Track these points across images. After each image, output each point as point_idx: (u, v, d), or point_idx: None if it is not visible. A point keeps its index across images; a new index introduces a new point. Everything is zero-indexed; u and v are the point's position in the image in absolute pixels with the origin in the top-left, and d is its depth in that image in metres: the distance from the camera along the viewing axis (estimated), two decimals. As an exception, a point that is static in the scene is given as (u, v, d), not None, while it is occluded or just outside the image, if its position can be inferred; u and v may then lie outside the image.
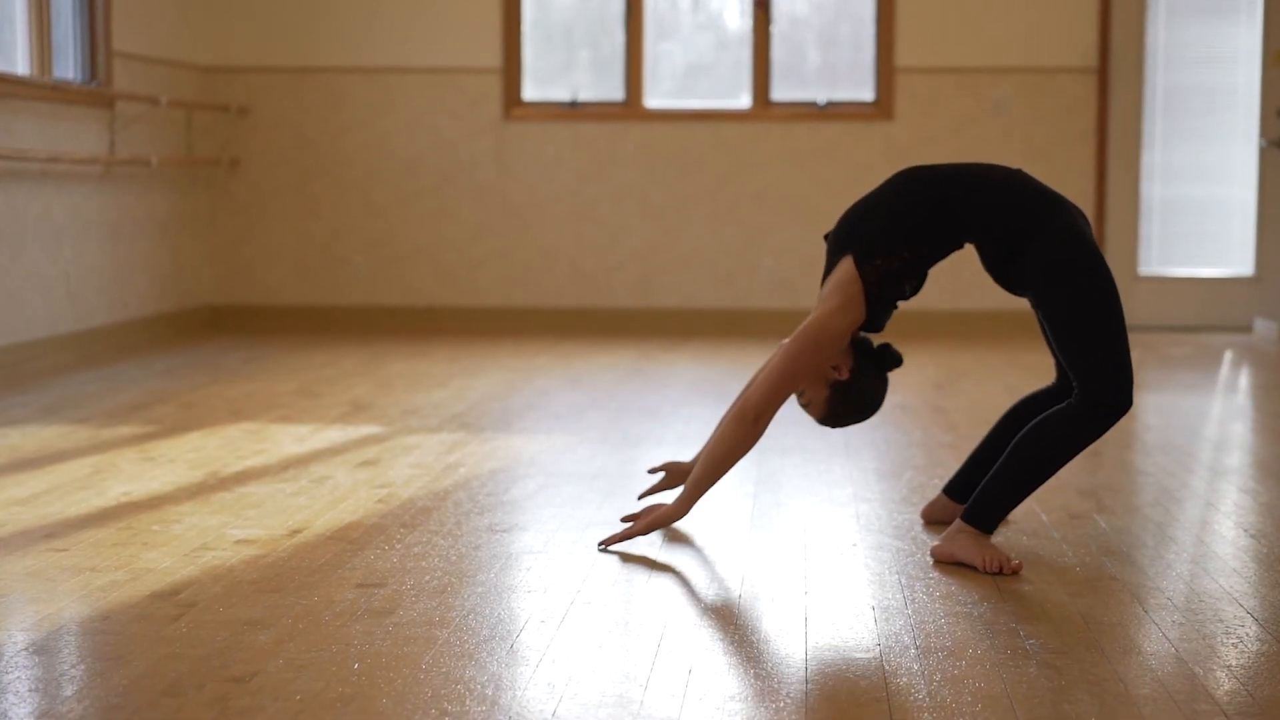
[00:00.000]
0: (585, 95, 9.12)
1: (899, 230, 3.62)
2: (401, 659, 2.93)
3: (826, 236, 3.80)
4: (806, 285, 8.99)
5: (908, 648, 3.02)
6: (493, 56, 9.03)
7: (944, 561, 3.67)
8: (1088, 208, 8.86)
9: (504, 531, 3.98)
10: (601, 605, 3.32)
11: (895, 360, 3.80)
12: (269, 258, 9.23)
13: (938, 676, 2.84)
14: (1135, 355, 7.82)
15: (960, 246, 3.70)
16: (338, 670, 2.87)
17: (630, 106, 9.08)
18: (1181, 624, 3.19)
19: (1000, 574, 3.56)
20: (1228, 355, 8.02)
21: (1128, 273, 8.96)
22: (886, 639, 3.08)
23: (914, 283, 3.71)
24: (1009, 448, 3.63)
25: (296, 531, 3.97)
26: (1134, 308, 8.92)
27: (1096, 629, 3.15)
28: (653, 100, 9.12)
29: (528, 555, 3.74)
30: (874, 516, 4.18)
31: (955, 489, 4.04)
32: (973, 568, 3.60)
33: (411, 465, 4.88)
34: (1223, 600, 3.35)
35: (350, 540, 3.87)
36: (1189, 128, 8.99)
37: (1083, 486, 4.55)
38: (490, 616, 3.22)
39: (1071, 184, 8.86)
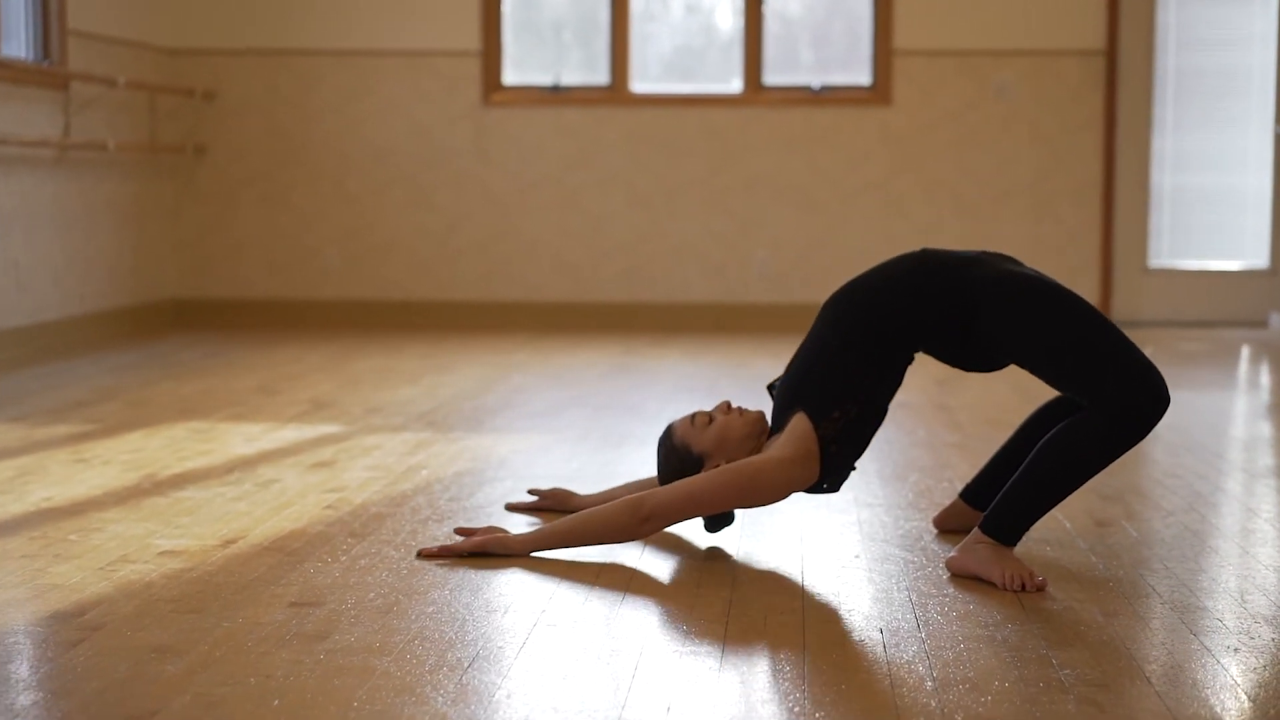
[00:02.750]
0: (569, 79, 8.71)
1: (848, 381, 3.35)
2: (330, 694, 2.50)
3: (770, 387, 3.54)
4: (801, 278, 8.58)
5: (923, 679, 2.59)
6: (472, 39, 8.62)
7: (959, 575, 3.25)
8: (1095, 197, 8.46)
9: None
10: (569, 629, 2.89)
11: (728, 520, 3.55)
12: (236, 250, 8.80)
13: (959, 716, 2.42)
14: (1145, 351, 7.41)
15: (912, 361, 3.45)
16: (253, 709, 2.44)
17: (616, 91, 8.67)
18: (1237, 650, 2.76)
19: (1023, 591, 3.13)
20: (1245, 351, 7.59)
21: (1137, 266, 8.54)
22: (898, 668, 2.65)
23: (875, 424, 3.41)
24: (1034, 454, 3.23)
25: (230, 541, 3.54)
26: (1143, 302, 8.51)
27: (1140, 656, 2.72)
28: (640, 84, 8.71)
29: (488, 570, 3.31)
30: (878, 524, 3.76)
31: (974, 495, 3.62)
32: (991, 583, 3.17)
33: (369, 467, 4.45)
34: (1280, 621, 2.93)
35: (289, 551, 3.44)
36: (1201, 113, 8.57)
37: (1107, 490, 4.13)
38: (439, 642, 2.79)
39: (1077, 173, 8.45)
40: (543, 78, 8.74)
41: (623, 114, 8.65)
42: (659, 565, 3.37)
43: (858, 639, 2.83)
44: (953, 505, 3.68)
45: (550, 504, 3.89)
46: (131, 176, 8.19)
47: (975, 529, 3.27)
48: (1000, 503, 3.23)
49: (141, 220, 8.34)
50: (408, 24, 8.64)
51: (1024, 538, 3.59)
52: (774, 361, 6.83)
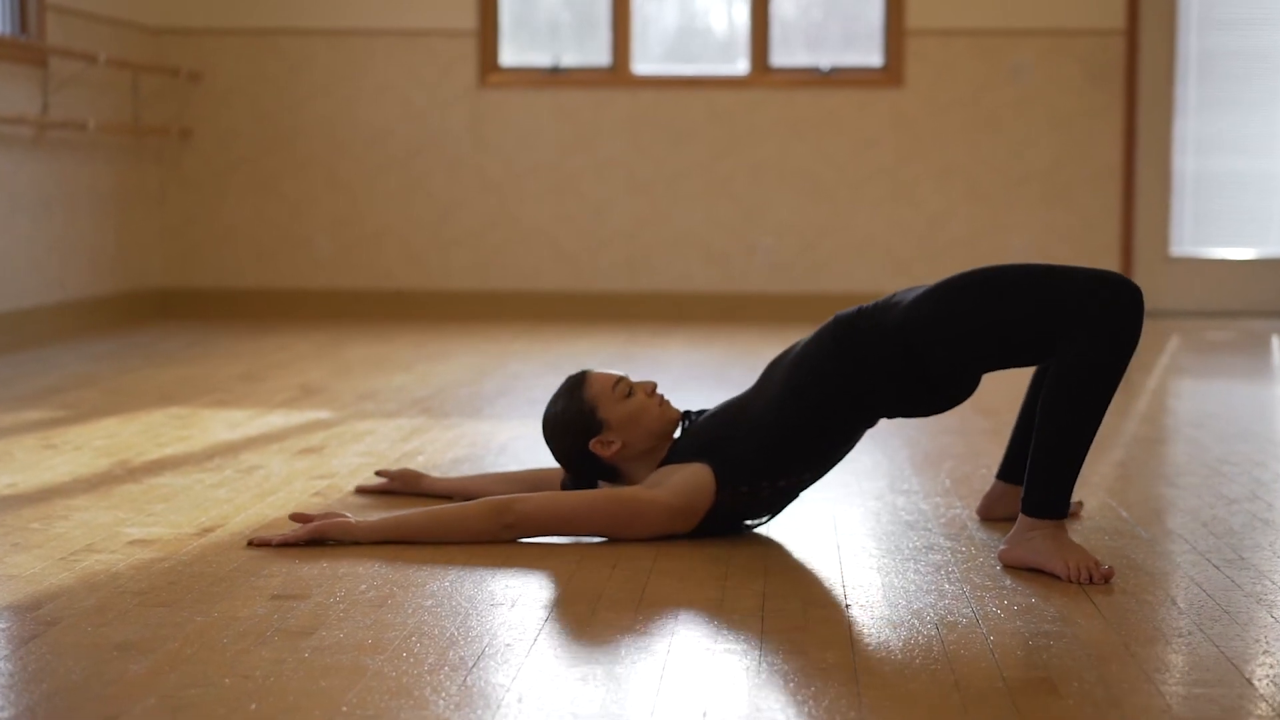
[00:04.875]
0: (568, 60, 8.40)
1: (769, 460, 3.11)
2: (316, 697, 2.18)
3: (687, 415, 3.27)
4: (807, 267, 8.26)
5: (993, 680, 2.27)
6: (467, 18, 8.30)
7: (1015, 568, 2.93)
8: (1114, 182, 8.14)
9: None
10: (585, 623, 2.57)
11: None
12: (223, 238, 8.47)
13: (1041, 722, 2.10)
14: (1171, 341, 7.12)
15: (860, 436, 3.21)
16: (227, 713, 2.12)
17: (617, 72, 8.35)
18: (1339, 648, 2.45)
19: (1091, 582, 2.81)
20: (1276, 340, 7.27)
21: (1158, 253, 8.22)
22: (962, 668, 2.33)
23: (787, 500, 3.19)
24: (1040, 412, 2.91)
25: (208, 530, 3.21)
26: (1165, 292, 8.19)
27: (1234, 654, 2.40)
28: (641, 66, 8.39)
29: (492, 558, 2.99)
30: (916, 511, 3.44)
31: (1010, 470, 3.31)
32: (1053, 575, 2.85)
33: (361, 453, 4.13)
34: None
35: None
36: (1225, 95, 8.24)
37: (1160, 472, 3.82)
38: (439, 639, 2.47)
39: (1097, 157, 8.14)
40: (541, 58, 8.42)
41: (624, 96, 8.33)
42: (681, 552, 3.05)
43: (911, 635, 2.51)
44: (993, 489, 3.37)
45: (399, 486, 3.60)
46: (114, 160, 7.86)
47: (1020, 516, 2.95)
48: (1031, 476, 2.92)
49: (125, 206, 8.01)
50: (401, 2, 8.32)
51: (1075, 524, 3.29)
52: (778, 352, 6.50)
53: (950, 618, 2.60)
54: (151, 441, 4.29)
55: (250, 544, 3.06)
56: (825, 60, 8.31)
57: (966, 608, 2.66)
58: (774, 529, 3.27)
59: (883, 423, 4.64)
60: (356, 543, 3.07)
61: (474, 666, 2.33)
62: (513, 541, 3.09)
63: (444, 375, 5.82)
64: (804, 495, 3.60)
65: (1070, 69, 8.14)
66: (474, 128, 8.37)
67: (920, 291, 3.08)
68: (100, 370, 5.91)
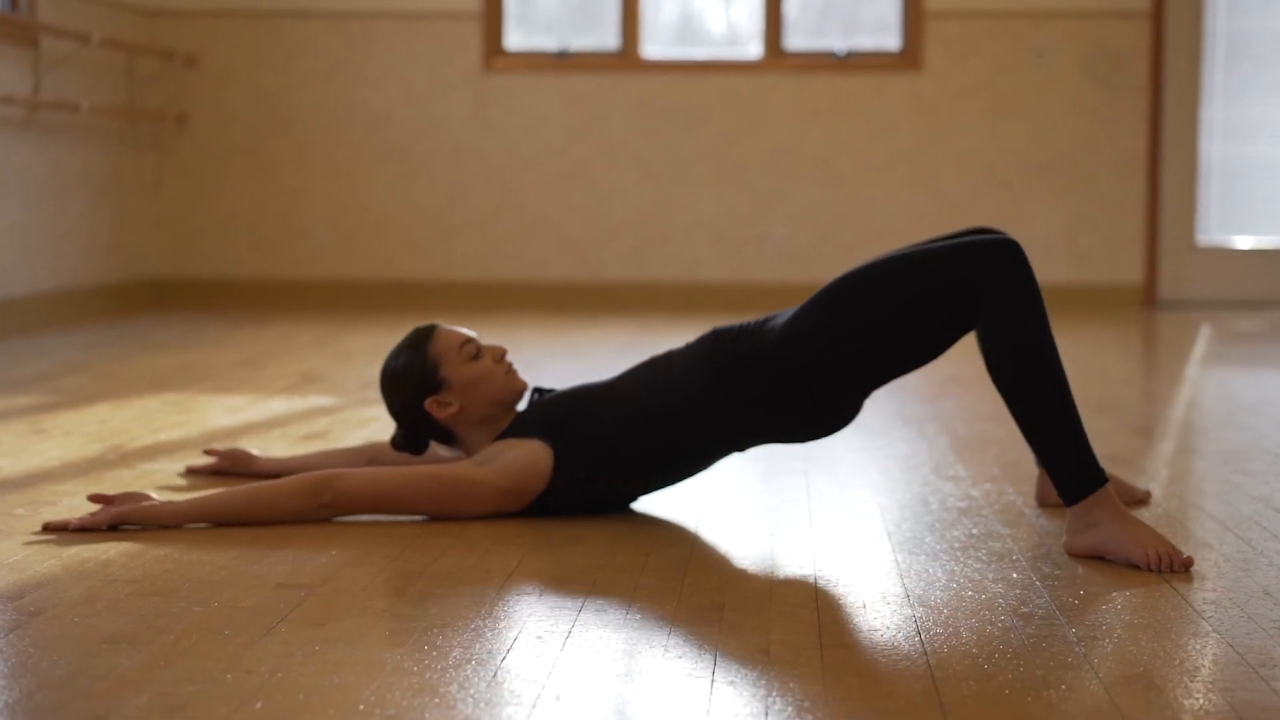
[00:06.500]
0: (575, 43, 8.16)
1: (626, 456, 2.95)
2: (329, 694, 1.95)
3: (539, 390, 3.10)
4: (821, 257, 8.03)
5: (1087, 678, 2.04)
6: (471, 0, 8.06)
7: (1082, 557, 2.69)
8: (1139, 169, 7.92)
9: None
10: (625, 609, 2.33)
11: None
12: (221, 226, 8.24)
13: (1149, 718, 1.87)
14: (1202, 331, 6.89)
15: (718, 460, 3.03)
16: (229, 712, 1.88)
17: (626, 56, 8.12)
18: None
19: (1172, 571, 2.58)
20: (1307, 331, 7.04)
21: (1183, 242, 7.99)
22: (1049, 662, 2.10)
23: (625, 501, 3.04)
24: (1010, 404, 2.73)
25: (206, 515, 2.97)
26: (1191, 282, 7.97)
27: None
28: (651, 49, 8.16)
29: (518, 541, 2.76)
30: (967, 498, 3.20)
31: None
32: (1130, 564, 2.62)
33: (368, 439, 3.90)
34: None
35: (276, 525, 2.88)
36: (1254, 79, 8.02)
37: (1222, 459, 3.59)
38: (464, 630, 2.24)
39: (1121, 143, 7.91)
40: (548, 42, 8.19)
41: (633, 81, 8.10)
42: (724, 531, 2.82)
43: (984, 628, 2.28)
44: (1040, 475, 3.14)
45: (228, 466, 3.37)
46: (108, 145, 7.62)
47: (1069, 509, 2.71)
48: (1048, 466, 2.71)
49: (119, 193, 7.77)
50: (404, -16, 8.10)
51: (1147, 514, 3.06)
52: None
53: (1028, 609, 2.36)
54: (146, 427, 4.05)
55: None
56: (841, 44, 8.08)
57: (1039, 598, 2.43)
58: (815, 516, 3.03)
59: (917, 406, 4.43)
60: (162, 526, 2.84)
61: (503, 660, 2.10)
62: (328, 520, 2.91)
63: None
64: (843, 481, 3.38)
65: (1094, 53, 7.91)
66: (478, 113, 8.14)
67: (790, 312, 2.91)
68: (93, 357, 5.67)
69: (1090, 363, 5.57)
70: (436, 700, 1.94)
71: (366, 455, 3.32)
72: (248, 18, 8.16)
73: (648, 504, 3.11)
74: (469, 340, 3.03)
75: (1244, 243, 8.09)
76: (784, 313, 2.94)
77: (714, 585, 2.51)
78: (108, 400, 4.53)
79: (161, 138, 8.16)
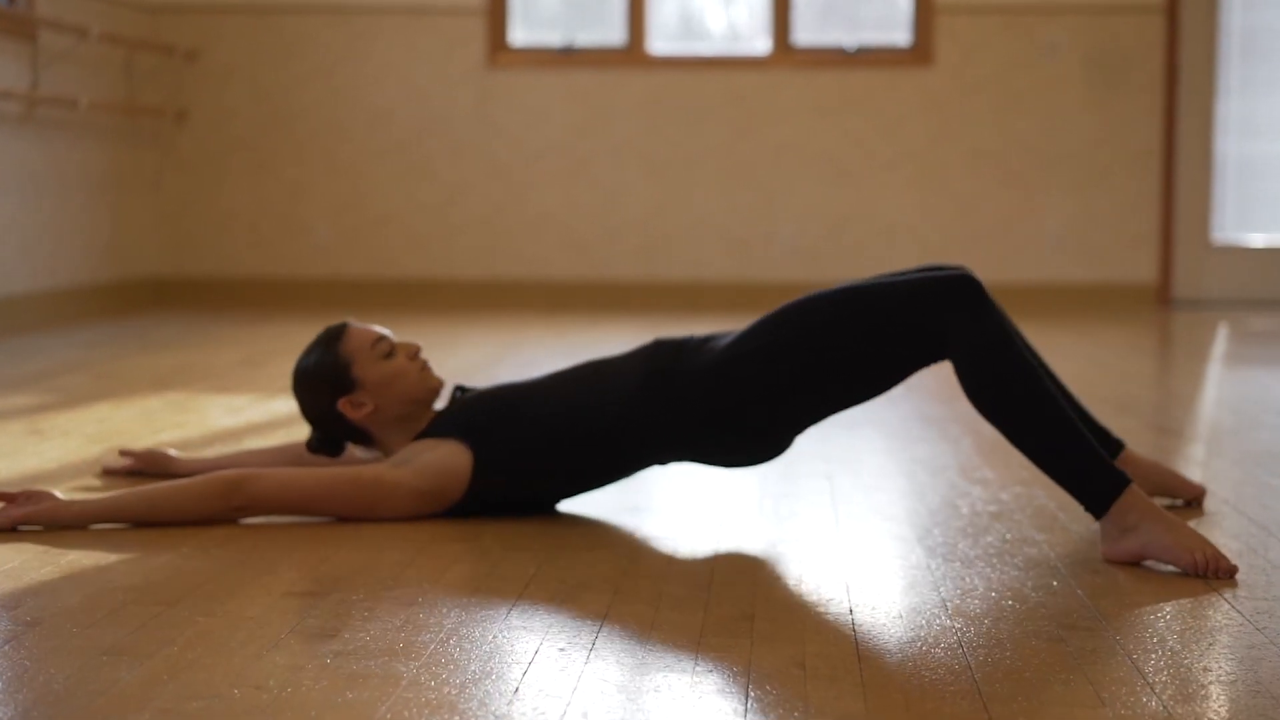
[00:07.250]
0: (580, 39, 8.05)
1: (544, 463, 2.87)
2: (341, 710, 1.84)
3: (460, 388, 3.03)
4: (829, 255, 7.92)
5: (1138, 691, 1.93)
6: (475, -5, 7.98)
7: (1121, 562, 2.58)
8: (1153, 165, 7.81)
9: (502, 516, 2.88)
10: (651, 620, 2.22)
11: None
12: (221, 224, 8.13)
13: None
14: (1219, 330, 6.79)
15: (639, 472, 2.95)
16: (238, 731, 1.77)
17: (632, 52, 8.02)
18: None
19: (1217, 576, 2.47)
20: (1325, 330, 6.93)
21: (1198, 240, 7.89)
22: (1094, 672, 1.99)
23: (543, 505, 2.97)
24: (1007, 433, 2.64)
25: (210, 520, 2.86)
26: (1206, 280, 7.86)
27: None
28: (657, 45, 8.06)
29: (534, 547, 2.65)
30: (997, 502, 3.10)
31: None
32: (1174, 569, 2.51)
33: (374, 440, 3.78)
34: None
35: (284, 530, 2.78)
36: (1270, 75, 7.92)
37: (1257, 461, 3.48)
38: (483, 641, 2.13)
39: (1135, 139, 7.81)
40: (552, 37, 8.09)
41: (639, 77, 8.00)
42: (748, 534, 2.71)
43: (1028, 641, 2.16)
44: (1122, 459, 3.03)
45: (146, 467, 3.26)
46: (107, 141, 7.51)
47: (1099, 524, 2.60)
48: (1067, 486, 2.60)
49: (119, 190, 7.66)
50: (407, -21, 8.00)
51: (1194, 520, 2.95)
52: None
53: (1070, 619, 2.25)
54: (146, 427, 3.95)
55: None
56: (850, 39, 7.97)
57: (1083, 608, 2.32)
58: (841, 520, 2.92)
59: (935, 406, 4.32)
60: (66, 527, 2.73)
61: (524, 675, 1.99)
62: (233, 520, 2.82)
63: (457, 359, 5.48)
64: (867, 484, 3.28)
65: (1108, 48, 7.81)
66: (482, 110, 8.03)
67: (739, 331, 2.83)
68: (92, 356, 5.56)
69: (1108, 362, 5.46)
70: (456, 718, 1.83)
71: (291, 455, 3.23)
72: (248, 13, 8.05)
73: (664, 507, 3.01)
74: (381, 338, 2.94)
75: (1259, 240, 7.98)
76: (729, 333, 2.86)
77: (742, 593, 2.40)
78: (107, 400, 4.42)
79: (161, 134, 8.06)
